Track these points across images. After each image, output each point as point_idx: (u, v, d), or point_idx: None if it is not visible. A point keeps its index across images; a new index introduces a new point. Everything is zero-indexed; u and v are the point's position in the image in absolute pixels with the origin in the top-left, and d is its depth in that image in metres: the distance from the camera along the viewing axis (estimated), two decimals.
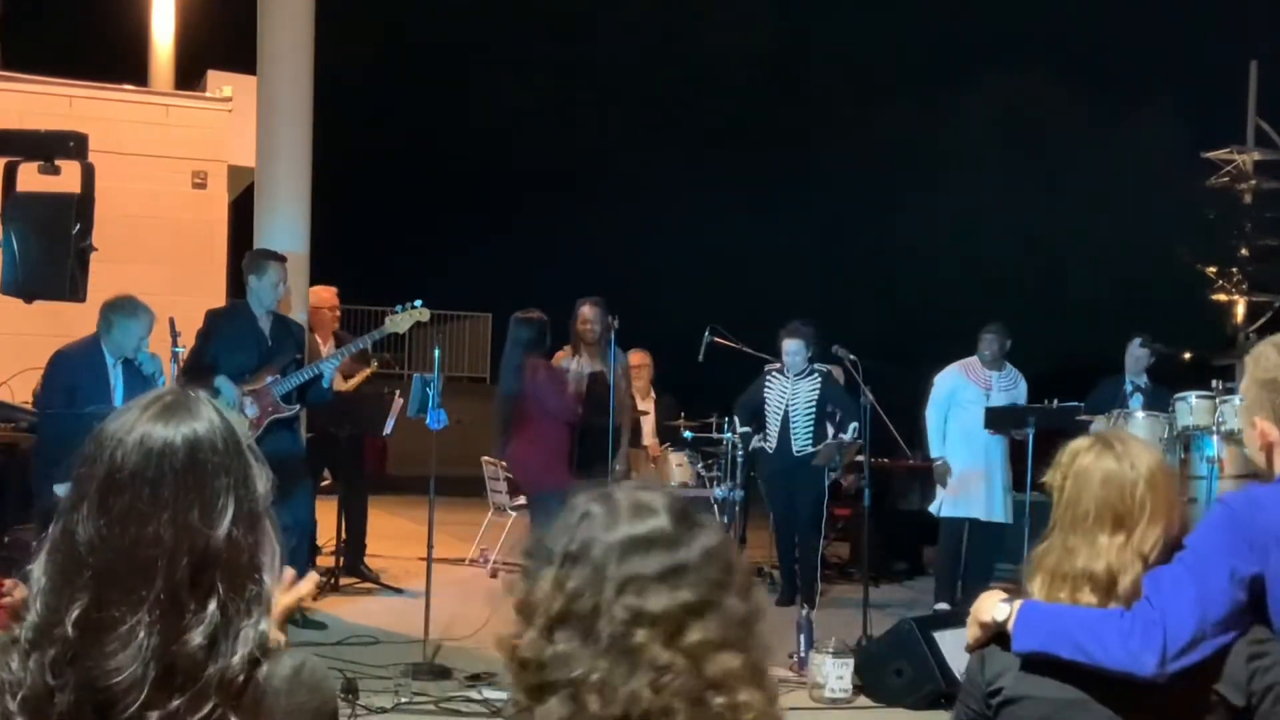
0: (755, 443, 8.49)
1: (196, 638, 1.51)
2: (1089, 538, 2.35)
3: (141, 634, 1.49)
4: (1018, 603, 2.37)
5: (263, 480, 1.63)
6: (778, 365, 8.40)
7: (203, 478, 1.56)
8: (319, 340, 8.42)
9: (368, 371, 8.52)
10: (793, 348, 8.20)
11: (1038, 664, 2.32)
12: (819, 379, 8.25)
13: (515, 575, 1.52)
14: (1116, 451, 2.39)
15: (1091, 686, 2.29)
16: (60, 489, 5.96)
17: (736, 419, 8.55)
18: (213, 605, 1.52)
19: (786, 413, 8.24)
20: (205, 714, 1.50)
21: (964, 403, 8.07)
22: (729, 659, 1.41)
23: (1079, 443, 2.47)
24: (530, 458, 7.44)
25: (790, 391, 8.26)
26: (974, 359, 8.20)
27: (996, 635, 2.40)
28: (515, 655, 1.45)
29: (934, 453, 8.16)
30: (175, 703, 1.50)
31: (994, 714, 2.40)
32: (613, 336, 7.46)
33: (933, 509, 8.23)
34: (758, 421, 8.43)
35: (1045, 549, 2.42)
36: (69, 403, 6.01)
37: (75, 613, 1.51)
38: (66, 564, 1.54)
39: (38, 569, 1.56)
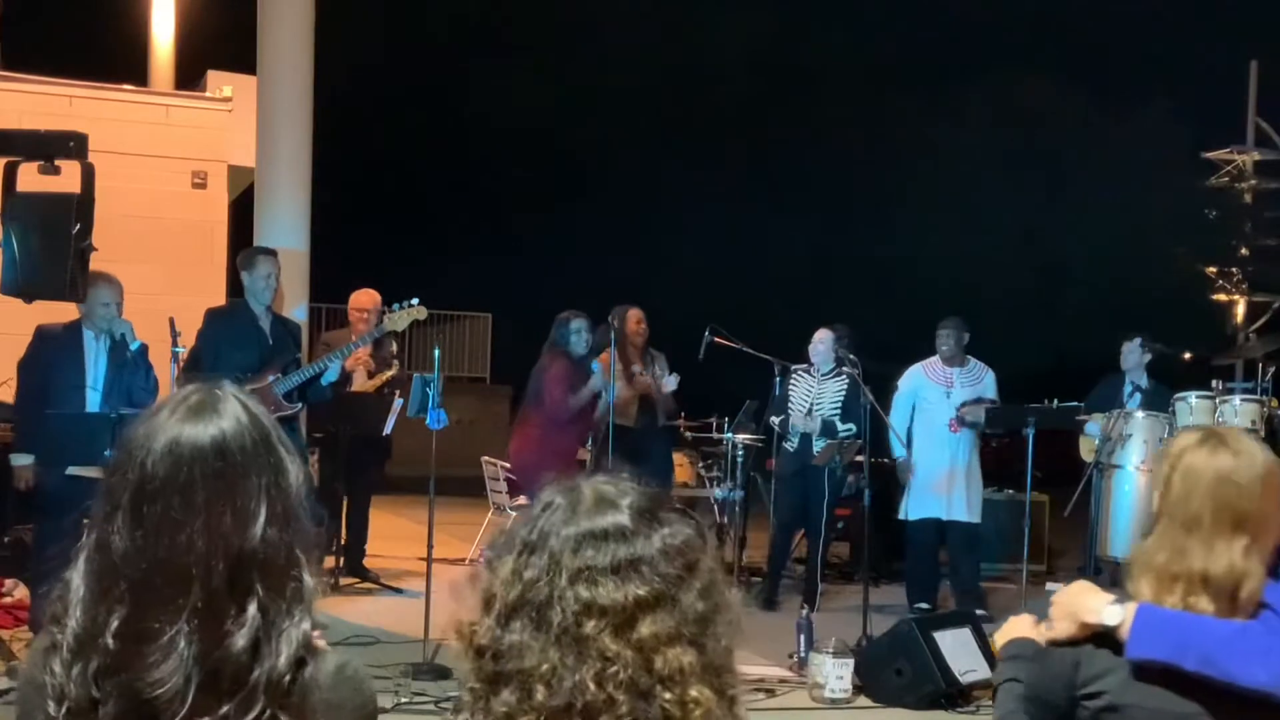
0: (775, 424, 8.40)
1: (240, 641, 1.49)
2: (1204, 539, 2.20)
3: (182, 643, 1.48)
4: (1132, 606, 2.21)
5: (294, 472, 1.60)
6: (804, 365, 8.35)
7: (234, 481, 1.54)
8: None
9: (389, 374, 8.51)
10: (823, 338, 8.13)
11: (1150, 672, 2.18)
12: (846, 381, 8.18)
13: (480, 566, 1.53)
14: (1233, 448, 2.25)
15: (1210, 701, 2.16)
16: (16, 459, 6.03)
17: (773, 420, 8.42)
18: (253, 608, 1.51)
19: (810, 411, 8.20)
20: (255, 717, 1.49)
21: (926, 403, 8.06)
22: (680, 655, 1.41)
23: (1188, 437, 2.34)
24: (527, 455, 7.54)
25: (816, 391, 8.21)
26: (935, 358, 8.14)
27: (1097, 636, 2.24)
28: (472, 643, 1.45)
29: (897, 453, 8.10)
30: (225, 708, 1.48)
31: (1089, 715, 2.26)
32: (612, 337, 7.49)
33: (900, 514, 8.20)
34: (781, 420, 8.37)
35: (1153, 548, 2.27)
36: (43, 375, 6.09)
37: (115, 624, 1.49)
38: (103, 574, 1.52)
39: (76, 576, 1.54)
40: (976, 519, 8.03)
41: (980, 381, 8.08)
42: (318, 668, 1.56)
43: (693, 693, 1.41)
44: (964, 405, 7.92)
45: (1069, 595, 2.32)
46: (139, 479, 1.52)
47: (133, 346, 6.17)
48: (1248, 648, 2.11)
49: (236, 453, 1.55)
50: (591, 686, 1.38)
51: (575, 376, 7.42)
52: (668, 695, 1.40)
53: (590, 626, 1.40)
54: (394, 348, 8.43)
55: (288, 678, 1.51)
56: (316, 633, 1.60)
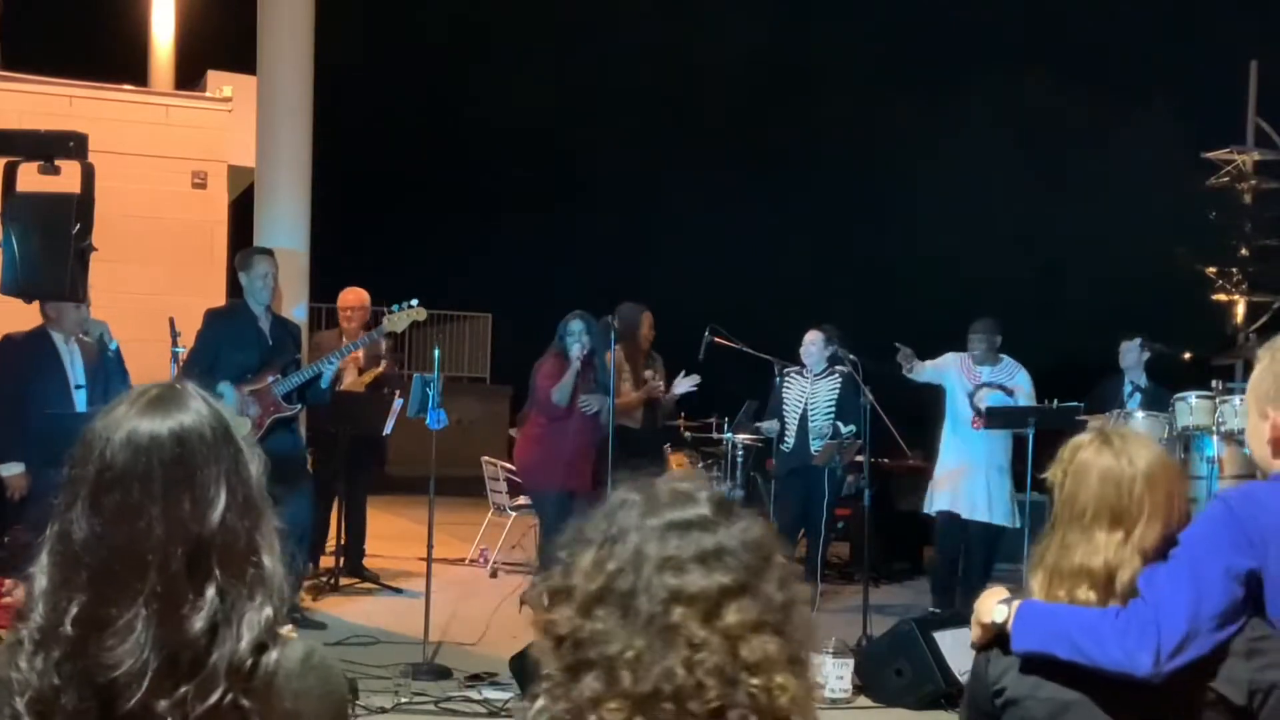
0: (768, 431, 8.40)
1: (197, 624, 1.51)
2: (1087, 534, 2.33)
3: (139, 626, 1.50)
4: (1016, 603, 2.35)
5: (255, 464, 1.63)
6: (795, 367, 8.34)
7: (192, 468, 1.56)
8: (346, 343, 8.41)
9: (378, 370, 8.51)
10: (814, 339, 8.11)
11: (1037, 664, 2.31)
12: (839, 380, 8.17)
13: (553, 564, 1.55)
14: (1115, 448, 2.37)
15: (1090, 687, 2.27)
16: (6, 469, 6.02)
17: (774, 426, 8.38)
18: (211, 591, 1.53)
19: (805, 412, 8.20)
20: (216, 700, 1.51)
21: (953, 394, 8.01)
22: (765, 642, 1.45)
23: (1079, 439, 2.45)
24: (528, 455, 7.55)
25: (809, 391, 8.21)
26: (969, 354, 8.10)
27: (999, 636, 2.38)
28: (552, 632, 1.48)
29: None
30: (183, 689, 1.50)
31: (999, 715, 2.38)
32: (612, 337, 7.49)
33: (925, 508, 8.13)
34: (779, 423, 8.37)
35: (1044, 546, 2.40)
36: (21, 383, 6.06)
37: (74, 612, 1.52)
38: (64, 565, 1.55)
39: (38, 570, 1.57)
40: (999, 520, 7.82)
41: (1011, 380, 7.96)
42: (284, 655, 1.57)
43: (778, 679, 1.44)
44: (980, 387, 7.81)
45: (978, 602, 2.45)
46: (98, 469, 1.56)
47: (111, 346, 6.16)
48: (1106, 630, 2.22)
49: (196, 442, 1.58)
50: (681, 672, 1.41)
51: (558, 371, 7.41)
52: (755, 681, 1.43)
53: (678, 613, 1.43)
54: (384, 346, 8.42)
55: (249, 661, 1.53)
56: (288, 627, 1.61)
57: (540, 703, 1.50)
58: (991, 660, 2.40)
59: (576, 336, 7.35)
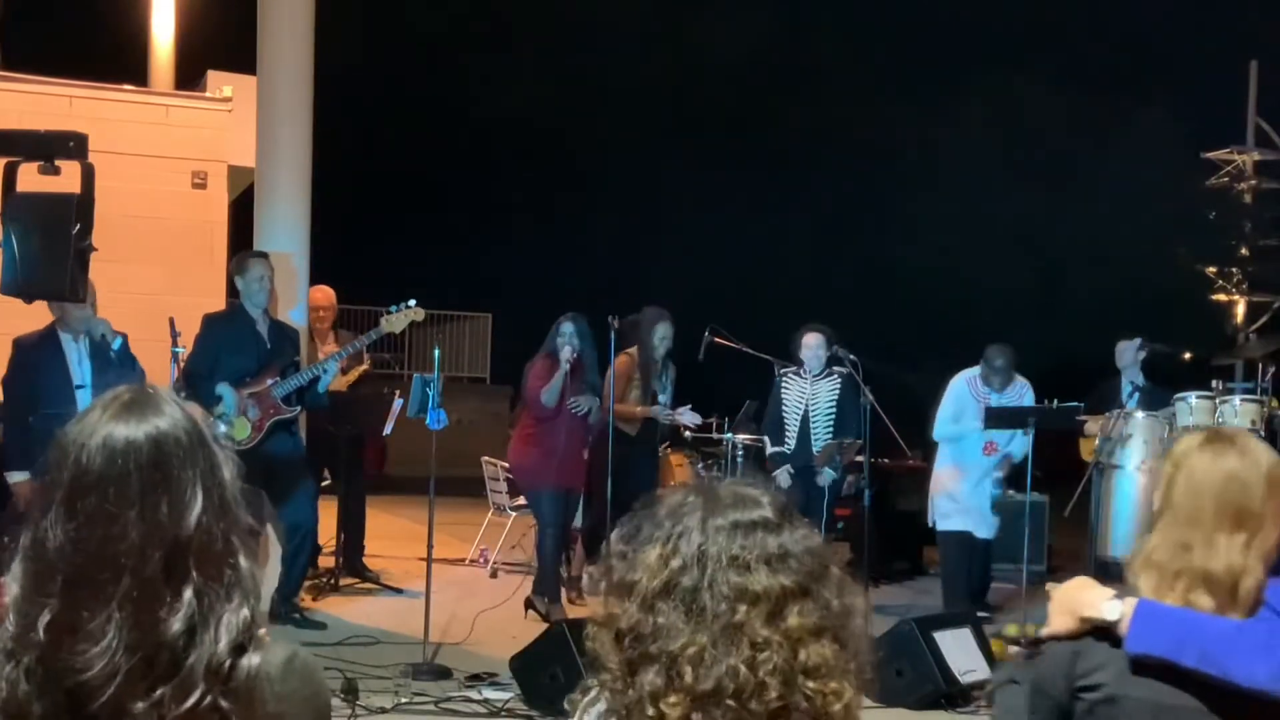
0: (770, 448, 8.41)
1: (174, 625, 1.50)
2: (1206, 536, 2.23)
3: (111, 630, 1.49)
4: (1131, 601, 2.23)
5: (229, 468, 1.63)
6: (792, 368, 8.32)
7: (168, 471, 1.56)
8: (317, 342, 8.43)
9: (361, 369, 8.52)
10: (813, 342, 8.11)
11: (1148, 667, 2.20)
12: (839, 380, 8.17)
13: (612, 557, 1.56)
14: (1239, 448, 2.29)
15: (1207, 696, 2.17)
16: (13, 476, 6.00)
17: (767, 440, 8.35)
18: (188, 593, 1.52)
19: (806, 414, 8.18)
20: (195, 701, 1.50)
21: (965, 416, 7.99)
22: (824, 647, 1.47)
23: (1194, 438, 2.37)
24: (520, 455, 7.59)
25: (810, 393, 8.20)
26: (979, 372, 8.06)
27: (1095, 629, 2.26)
28: (614, 627, 1.50)
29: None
30: (159, 691, 1.49)
31: (1085, 710, 2.28)
32: (612, 337, 7.49)
33: (930, 519, 8.12)
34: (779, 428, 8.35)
35: (1155, 545, 2.29)
36: (29, 386, 6.05)
37: (46, 618, 1.51)
38: (38, 571, 1.54)
39: (10, 579, 1.56)
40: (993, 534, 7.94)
41: (1020, 401, 7.91)
42: (265, 658, 1.57)
43: (833, 685, 1.47)
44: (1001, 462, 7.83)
45: (1068, 590, 2.34)
46: (74, 474, 1.55)
47: (114, 344, 6.16)
48: (1247, 645, 2.12)
49: (172, 445, 1.57)
50: (744, 670, 1.44)
51: (554, 375, 7.43)
52: (811, 684, 1.45)
53: (743, 612, 1.46)
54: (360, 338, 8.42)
55: (228, 663, 1.52)
56: (263, 630, 1.61)
57: (593, 694, 1.52)
58: (1083, 654, 2.28)
59: (567, 339, 7.38)
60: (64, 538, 1.53)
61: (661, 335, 7.99)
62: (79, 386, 6.12)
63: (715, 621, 1.45)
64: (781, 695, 1.43)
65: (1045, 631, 2.37)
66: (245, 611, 1.57)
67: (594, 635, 1.53)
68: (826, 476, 8.08)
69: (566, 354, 7.34)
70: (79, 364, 6.15)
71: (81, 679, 1.49)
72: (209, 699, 1.51)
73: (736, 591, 1.46)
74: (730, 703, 1.43)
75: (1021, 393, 7.96)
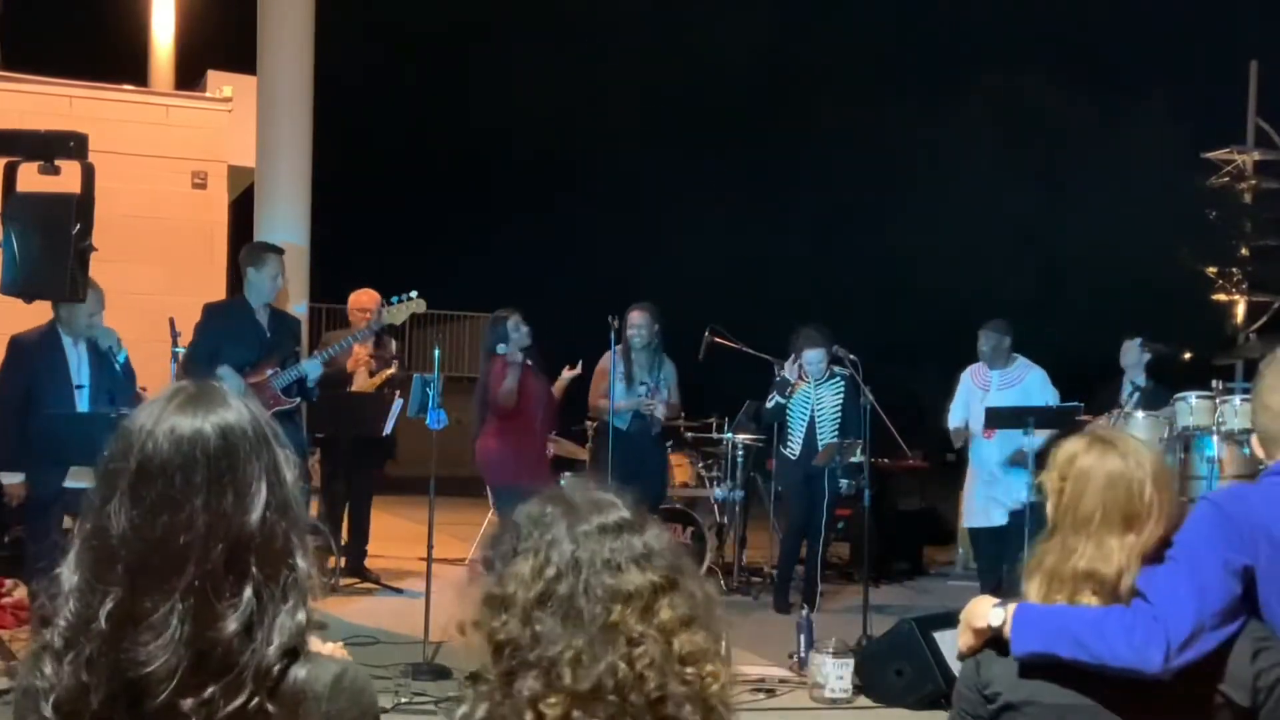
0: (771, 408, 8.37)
1: (231, 624, 1.49)
2: (1096, 539, 2.30)
3: (175, 622, 1.48)
4: (1011, 605, 2.33)
5: (291, 469, 1.62)
6: (787, 371, 8.30)
7: (235, 463, 1.55)
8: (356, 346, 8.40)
9: (389, 372, 8.50)
10: (815, 358, 8.08)
11: (1038, 667, 2.28)
12: (842, 383, 8.15)
13: (480, 571, 1.62)
14: (1121, 450, 2.35)
15: (1096, 690, 2.24)
16: (8, 479, 5.97)
17: (773, 399, 8.29)
18: (248, 591, 1.51)
19: (812, 419, 8.16)
20: (242, 703, 1.49)
21: (972, 407, 7.98)
22: (695, 634, 1.54)
23: (1075, 443, 2.42)
24: (490, 451, 7.59)
25: (814, 397, 8.19)
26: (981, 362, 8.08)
27: (991, 641, 2.36)
28: (492, 639, 1.54)
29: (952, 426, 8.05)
30: (210, 689, 1.49)
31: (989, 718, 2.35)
32: (612, 337, 7.49)
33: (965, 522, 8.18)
34: (779, 428, 8.35)
35: (1044, 550, 2.37)
36: (26, 388, 6.01)
37: (109, 606, 1.49)
38: (99, 559, 1.52)
39: (68, 569, 1.54)
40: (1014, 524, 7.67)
41: (1020, 381, 7.87)
42: (315, 673, 1.55)
43: (708, 668, 1.54)
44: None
45: (966, 609, 2.43)
46: (140, 461, 1.53)
47: (120, 359, 6.14)
48: (1112, 627, 2.21)
49: (239, 437, 1.56)
50: (622, 666, 1.50)
51: (503, 370, 7.45)
52: (689, 671, 1.52)
53: (618, 611, 1.51)
54: (394, 347, 8.43)
55: (277, 667, 1.51)
56: (317, 640, 1.61)
57: (467, 707, 1.56)
58: (982, 664, 2.37)
59: (505, 335, 7.43)
60: (127, 524, 1.51)
61: (631, 324, 7.96)
62: (78, 387, 6.11)
63: (592, 623, 1.50)
64: (660, 685, 1.50)
65: (957, 653, 2.48)
66: (300, 615, 1.56)
67: (471, 649, 1.57)
68: (846, 486, 8.09)
69: (516, 354, 7.35)
70: (79, 364, 6.13)
71: (145, 672, 1.47)
72: (256, 700, 1.50)
73: (611, 592, 1.51)
74: (611, 698, 1.49)
75: (1022, 372, 7.93)
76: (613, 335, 7.46)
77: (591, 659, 1.49)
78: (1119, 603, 2.27)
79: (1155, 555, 2.29)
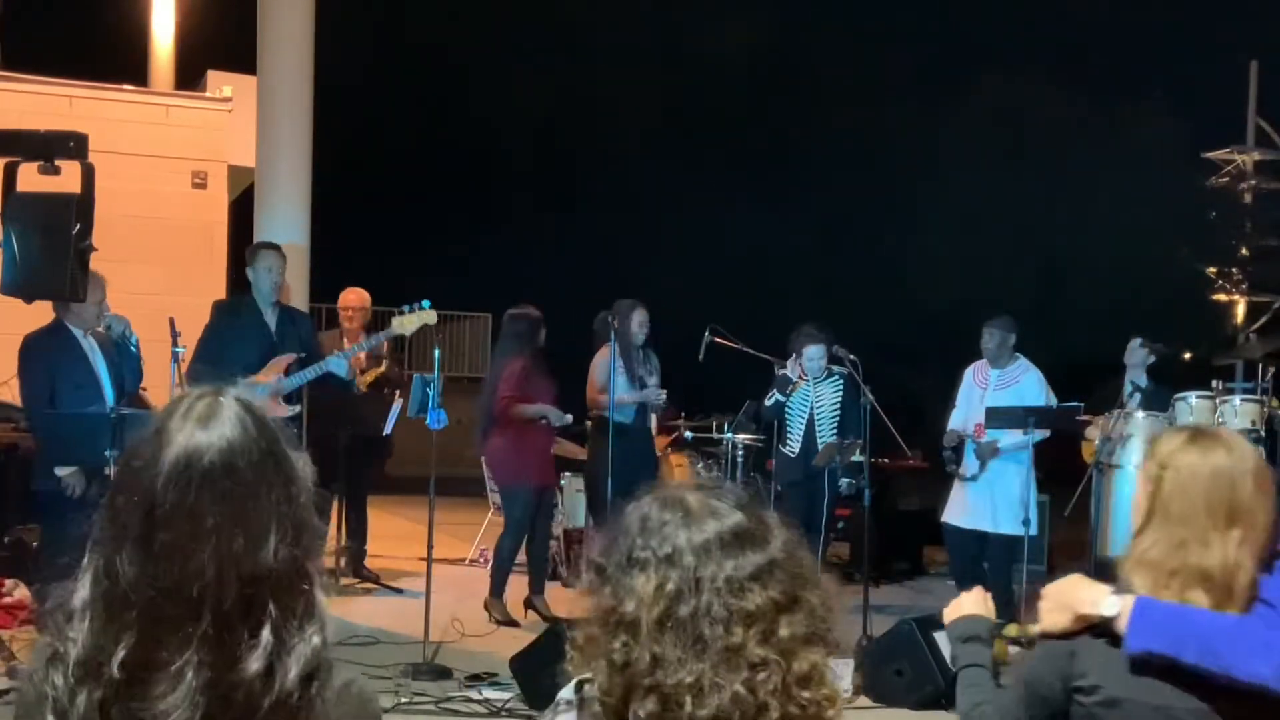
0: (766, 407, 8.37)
1: (253, 666, 1.46)
2: (1199, 534, 2.22)
3: (190, 673, 1.44)
4: (1129, 598, 2.21)
5: (303, 476, 1.56)
6: (787, 369, 8.30)
7: (244, 501, 1.49)
8: (346, 342, 8.40)
9: (379, 371, 8.51)
10: (814, 353, 8.08)
11: (1148, 666, 2.17)
12: (841, 382, 8.14)
13: (589, 575, 1.52)
14: (1225, 445, 2.29)
15: (1214, 697, 2.14)
16: (62, 471, 5.92)
17: (773, 396, 8.27)
18: (267, 631, 1.48)
19: (811, 417, 8.17)
20: None
21: (971, 405, 7.95)
22: (814, 654, 1.45)
23: (1178, 435, 2.37)
24: (497, 451, 7.60)
25: (813, 396, 8.19)
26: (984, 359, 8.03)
27: (1091, 627, 2.25)
28: (610, 660, 1.45)
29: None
30: None
31: (1085, 715, 2.25)
32: (612, 336, 7.49)
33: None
34: (779, 426, 8.34)
35: (1148, 544, 2.29)
36: (49, 385, 5.99)
37: (121, 654, 1.45)
38: (110, 601, 1.47)
39: (80, 596, 1.50)
40: (1009, 530, 7.56)
41: (1016, 382, 7.77)
42: (323, 682, 1.53)
43: (825, 691, 1.45)
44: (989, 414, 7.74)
45: (1062, 588, 2.33)
46: (147, 504, 1.48)
47: (133, 343, 6.16)
48: (1248, 641, 2.11)
49: (245, 470, 1.50)
50: (744, 693, 1.40)
51: (525, 377, 7.46)
52: (806, 695, 1.43)
53: (739, 634, 1.42)
54: (384, 345, 8.41)
55: (297, 695, 1.49)
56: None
57: (586, 692, 1.49)
58: (1080, 651, 2.26)
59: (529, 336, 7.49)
60: (138, 570, 1.46)
61: (640, 321, 7.99)
62: (101, 383, 6.10)
63: (714, 646, 1.42)
64: (784, 714, 1.41)
65: (1038, 629, 2.35)
66: (317, 640, 1.53)
67: (585, 664, 1.49)
68: (846, 485, 8.08)
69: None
70: (95, 360, 6.14)
71: None
72: None
73: (733, 613, 1.43)
74: None
75: (1019, 373, 7.84)
76: (613, 335, 7.46)
77: (713, 686, 1.40)
78: (1232, 602, 2.18)
79: (1267, 559, 2.22)
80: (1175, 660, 2.14)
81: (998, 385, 7.87)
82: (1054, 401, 7.79)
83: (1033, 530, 7.62)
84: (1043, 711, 2.31)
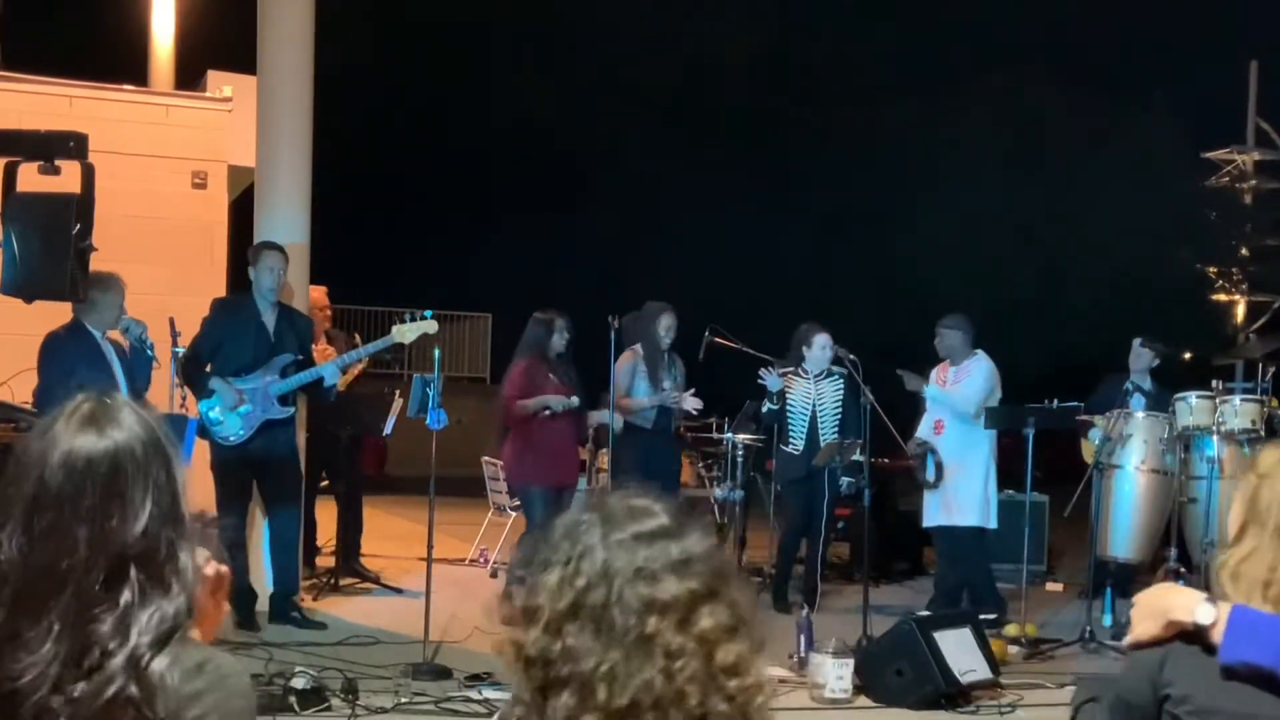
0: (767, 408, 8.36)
1: (106, 626, 1.54)
2: (1275, 543, 2.18)
3: (49, 641, 1.53)
4: (1225, 606, 2.15)
5: (180, 472, 1.66)
6: (791, 368, 8.30)
7: (123, 486, 1.60)
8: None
9: (359, 369, 8.52)
10: (822, 341, 8.08)
11: (1242, 677, 2.11)
12: (841, 380, 8.15)
13: (510, 585, 1.54)
14: None
15: None
16: None
17: (766, 406, 8.29)
18: (126, 596, 1.56)
19: (814, 414, 8.17)
20: (113, 694, 1.53)
21: (935, 405, 7.99)
22: (737, 645, 1.46)
23: (1277, 448, 2.32)
24: (510, 454, 7.60)
25: (815, 393, 8.20)
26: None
27: (1183, 635, 2.18)
28: (521, 655, 1.48)
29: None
30: (80, 687, 1.53)
31: (1174, 718, 2.20)
32: (612, 337, 7.49)
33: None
34: (779, 426, 8.34)
35: (1244, 555, 2.23)
36: (68, 385, 5.99)
37: None
38: None
39: None
40: (964, 522, 7.69)
41: (969, 375, 7.86)
42: (179, 656, 1.58)
43: (751, 680, 1.47)
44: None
45: (1153, 595, 2.27)
46: (34, 492, 1.58)
47: (149, 347, 6.20)
48: None
49: (127, 462, 1.61)
50: (660, 681, 1.42)
51: (535, 376, 7.44)
52: (732, 684, 1.45)
53: (653, 622, 1.43)
54: (357, 338, 8.42)
55: (147, 656, 1.55)
56: (206, 559, 1.66)
57: None
58: (1170, 658, 2.20)
59: (558, 332, 7.44)
60: (15, 551, 1.57)
61: (666, 326, 8.03)
62: (120, 385, 6.13)
63: (626, 636, 1.43)
64: (701, 700, 1.43)
65: (1129, 640, 2.29)
66: (180, 601, 1.60)
67: (503, 667, 1.51)
68: (846, 485, 8.09)
69: (560, 345, 7.37)
70: (114, 361, 6.18)
71: (15, 686, 1.52)
72: (121, 687, 1.54)
73: (646, 603, 1.44)
74: (650, 715, 1.42)
75: (971, 368, 7.86)
76: (613, 335, 7.46)
77: (627, 674, 1.42)
78: None
79: None
80: (1272, 672, 2.09)
81: (953, 381, 7.91)
82: (998, 395, 7.85)
83: (992, 523, 7.68)
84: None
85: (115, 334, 6.30)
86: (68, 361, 6.06)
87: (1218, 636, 2.12)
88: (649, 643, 1.43)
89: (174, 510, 1.63)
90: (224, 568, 1.75)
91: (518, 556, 1.57)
